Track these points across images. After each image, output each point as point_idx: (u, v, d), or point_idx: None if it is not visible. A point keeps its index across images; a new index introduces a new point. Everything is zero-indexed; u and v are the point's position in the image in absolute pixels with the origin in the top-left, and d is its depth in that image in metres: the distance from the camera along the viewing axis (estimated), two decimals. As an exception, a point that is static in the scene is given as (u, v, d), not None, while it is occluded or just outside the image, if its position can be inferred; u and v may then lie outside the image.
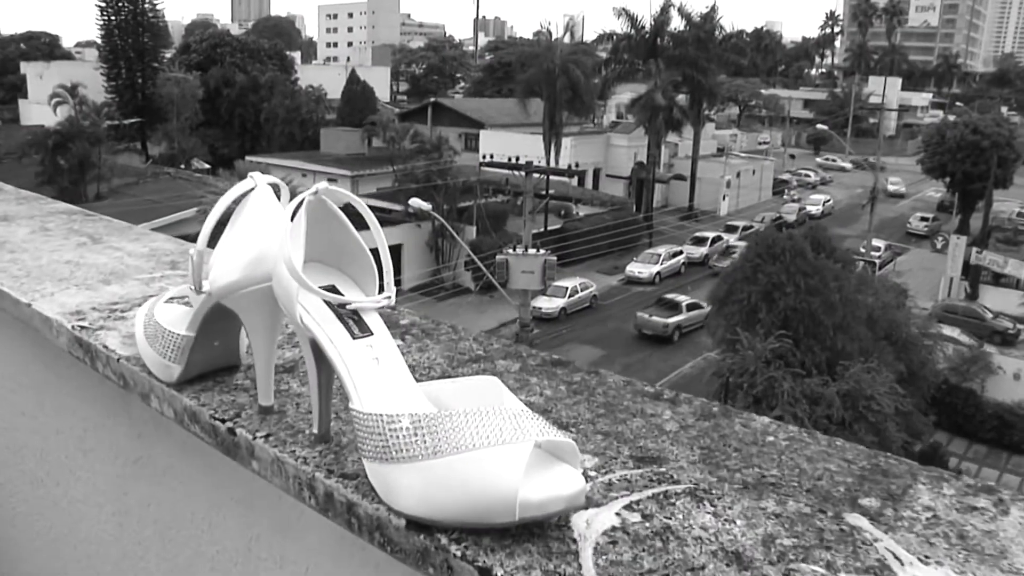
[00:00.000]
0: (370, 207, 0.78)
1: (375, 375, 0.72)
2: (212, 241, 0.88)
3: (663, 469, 0.79)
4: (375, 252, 0.79)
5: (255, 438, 0.84)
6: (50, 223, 1.87)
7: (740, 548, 0.67)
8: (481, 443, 0.64)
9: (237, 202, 0.86)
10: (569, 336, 23.91)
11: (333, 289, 0.78)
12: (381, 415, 0.68)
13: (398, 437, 0.67)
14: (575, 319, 25.27)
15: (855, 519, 0.71)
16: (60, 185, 29.68)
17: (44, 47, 60.12)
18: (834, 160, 56.03)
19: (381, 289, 0.79)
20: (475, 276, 25.18)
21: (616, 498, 0.73)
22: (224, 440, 0.88)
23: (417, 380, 0.75)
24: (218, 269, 0.85)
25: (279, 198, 0.86)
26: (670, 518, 0.71)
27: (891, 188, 47.49)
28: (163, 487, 1.22)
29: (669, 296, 25.67)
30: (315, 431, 0.82)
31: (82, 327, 1.16)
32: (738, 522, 0.70)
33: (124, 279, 1.41)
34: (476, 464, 0.64)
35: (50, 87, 38.41)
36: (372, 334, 0.75)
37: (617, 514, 0.71)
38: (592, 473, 0.77)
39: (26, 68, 50.12)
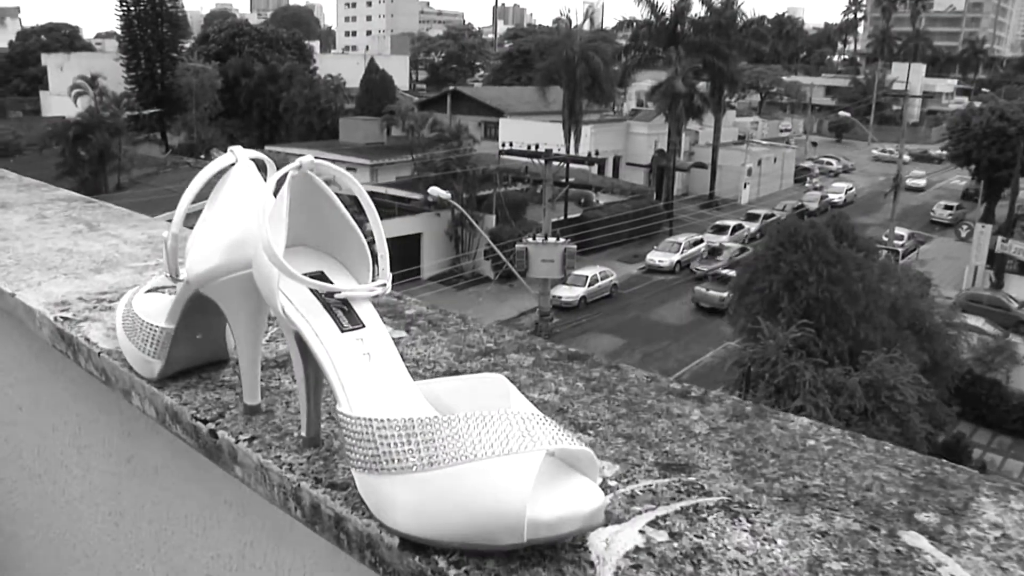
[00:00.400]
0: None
1: (365, 373, 0.64)
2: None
3: (692, 478, 0.70)
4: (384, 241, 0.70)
5: (238, 441, 0.76)
6: (48, 210, 1.81)
7: (782, 574, 0.58)
8: (484, 452, 0.56)
9: (216, 179, 0.77)
10: (589, 325, 23.80)
11: (321, 276, 0.70)
12: (370, 419, 0.60)
13: (389, 445, 0.58)
14: (595, 308, 25.14)
15: (913, 538, 0.63)
16: (81, 176, 29.92)
17: (65, 39, 60.32)
18: (891, 152, 53.78)
19: (376, 276, 0.70)
20: (495, 265, 25.11)
21: (640, 513, 0.65)
22: (206, 443, 0.81)
23: (421, 376, 0.67)
24: (195, 254, 0.76)
25: (264, 175, 0.78)
26: (701, 536, 0.62)
27: (910, 182, 44.00)
28: (156, 487, 1.16)
29: (724, 271, 25.77)
30: (303, 434, 0.74)
31: (65, 318, 1.09)
32: (779, 542, 0.62)
33: (116, 267, 1.34)
34: (478, 477, 0.56)
35: (70, 79, 38.61)
36: (363, 326, 0.67)
37: (641, 532, 0.62)
38: (612, 483, 0.69)
39: (47, 60, 50.39)
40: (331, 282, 0.69)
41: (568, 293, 24.63)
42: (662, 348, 22.51)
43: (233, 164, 0.76)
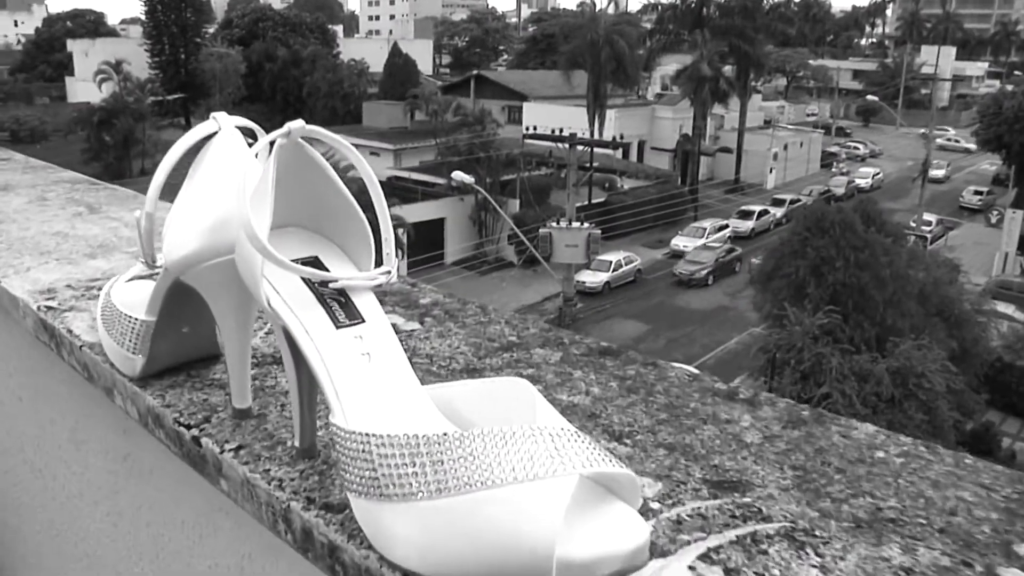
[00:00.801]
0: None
1: (364, 377, 0.54)
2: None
3: (748, 499, 0.60)
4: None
5: (223, 451, 0.67)
6: (50, 192, 1.74)
7: (865, 623, 0.48)
8: (504, 478, 0.46)
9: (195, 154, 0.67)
10: (613, 311, 23.65)
11: (314, 262, 0.60)
12: (368, 435, 0.50)
13: (390, 467, 0.48)
14: (619, 293, 24.98)
15: (1017, 577, 0.52)
16: (105, 161, 30.16)
17: (90, 25, 60.58)
18: (957, 141, 50.40)
19: (380, 263, 0.60)
20: (518, 250, 24.97)
21: (688, 543, 0.54)
22: (190, 451, 0.71)
23: (435, 374, 0.57)
24: (173, 237, 0.67)
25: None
26: (763, 573, 0.52)
27: (932, 172, 38.37)
28: (152, 488, 1.08)
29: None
30: (296, 444, 0.64)
31: (48, 308, 1.00)
32: (856, 581, 0.52)
33: (112, 252, 1.26)
34: (497, 507, 0.46)
35: (95, 64, 38.79)
36: (363, 321, 0.57)
37: (691, 568, 0.52)
38: (655, 505, 0.59)
39: (72, 46, 50.62)
40: (326, 269, 0.59)
41: (592, 278, 24.49)
42: (687, 334, 22.35)
43: (216, 133, 0.66)
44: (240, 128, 0.67)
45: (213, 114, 0.66)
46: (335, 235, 0.62)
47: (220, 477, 0.67)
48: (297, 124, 0.56)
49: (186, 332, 0.78)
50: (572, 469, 0.46)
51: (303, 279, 0.57)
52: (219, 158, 0.65)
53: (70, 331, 0.93)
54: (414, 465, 0.48)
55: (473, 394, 0.55)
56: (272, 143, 0.57)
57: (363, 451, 0.50)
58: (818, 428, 0.72)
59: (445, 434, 0.48)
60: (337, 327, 0.56)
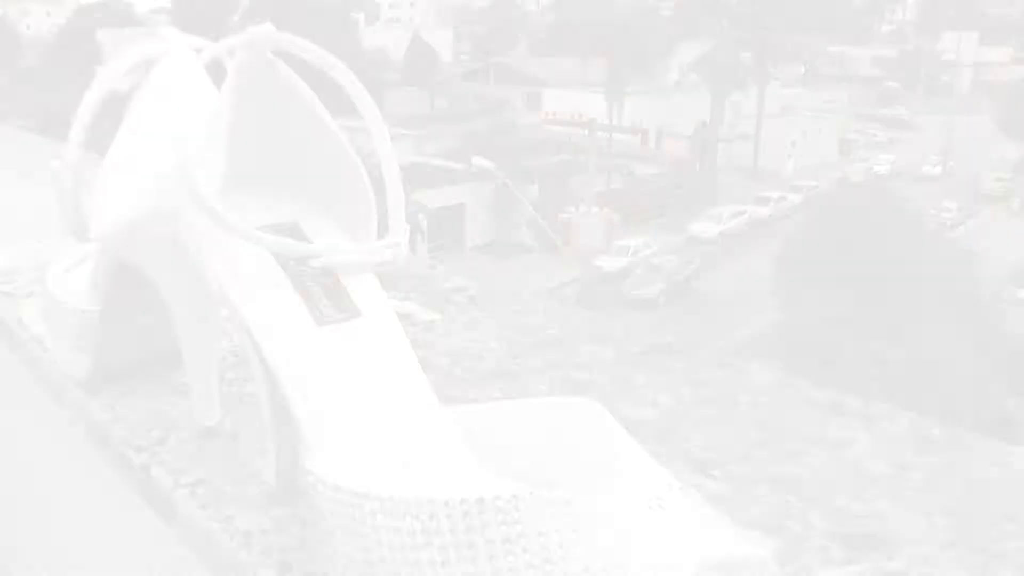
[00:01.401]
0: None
1: (357, 399, 0.37)
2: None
3: (896, 564, 0.43)
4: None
5: (177, 486, 0.50)
6: (40, 167, 1.60)
7: None
8: (575, 571, 0.30)
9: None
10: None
11: (292, 230, 0.43)
12: (362, 496, 0.32)
13: (394, 546, 0.31)
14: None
15: None
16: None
17: (119, 15, 60.89)
18: None
19: (383, 233, 0.43)
20: (537, 235, 24.87)
21: None
22: (140, 481, 0.55)
23: (460, 379, 0.41)
24: (103, 198, 0.50)
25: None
26: None
27: (925, 170, 34.50)
28: (131, 507, 0.92)
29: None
30: (271, 481, 0.48)
31: (2, 293, 0.85)
32: None
33: (92, 228, 1.11)
34: None
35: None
36: (358, 315, 0.40)
37: None
38: (773, 572, 0.42)
39: (101, 35, 50.99)
40: (308, 240, 0.42)
41: (610, 263, 24.29)
42: (704, 318, 22.19)
43: (163, 55, 0.49)
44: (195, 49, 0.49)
45: (161, 29, 0.49)
46: (321, 193, 0.44)
47: (175, 520, 0.51)
48: (263, 29, 0.39)
49: (144, 323, 0.60)
50: (685, 559, 0.32)
51: (273, 254, 0.40)
52: (166, 89, 0.48)
53: (20, 321, 0.77)
54: (430, 546, 0.31)
55: (520, 422, 0.37)
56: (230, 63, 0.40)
57: (354, 518, 0.32)
58: (958, 452, 0.55)
59: (481, 499, 0.31)
60: (319, 324, 0.39)
